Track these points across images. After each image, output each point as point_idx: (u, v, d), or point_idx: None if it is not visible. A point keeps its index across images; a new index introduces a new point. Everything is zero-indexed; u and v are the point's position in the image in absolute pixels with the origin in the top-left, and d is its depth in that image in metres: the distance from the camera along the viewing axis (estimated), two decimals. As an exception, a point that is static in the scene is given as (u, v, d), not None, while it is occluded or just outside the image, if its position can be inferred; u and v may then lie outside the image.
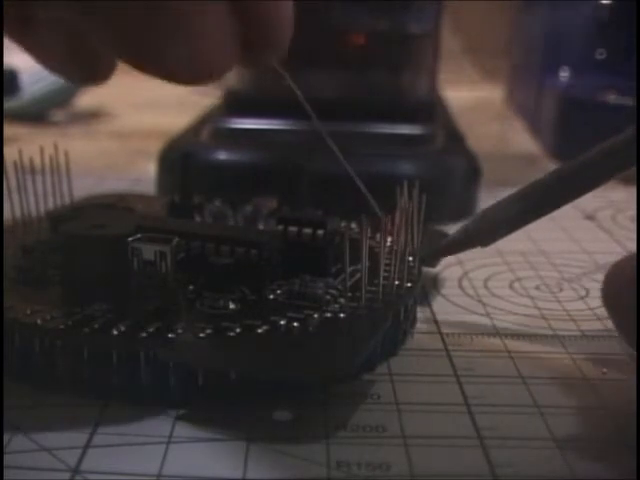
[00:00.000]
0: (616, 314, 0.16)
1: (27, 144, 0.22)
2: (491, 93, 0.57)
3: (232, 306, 0.17)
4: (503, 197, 0.19)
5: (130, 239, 0.17)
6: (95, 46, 0.17)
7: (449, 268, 0.24)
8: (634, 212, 0.30)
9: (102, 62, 0.19)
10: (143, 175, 0.33)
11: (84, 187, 0.25)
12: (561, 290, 0.23)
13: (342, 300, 0.18)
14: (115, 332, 0.16)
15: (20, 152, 0.21)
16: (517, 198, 0.19)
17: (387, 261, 0.18)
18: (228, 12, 0.15)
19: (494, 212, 0.20)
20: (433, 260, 0.21)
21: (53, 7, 0.16)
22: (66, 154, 0.23)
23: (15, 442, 0.15)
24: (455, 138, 0.33)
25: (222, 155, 0.29)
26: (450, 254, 0.21)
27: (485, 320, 0.21)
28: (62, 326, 0.16)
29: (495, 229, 0.20)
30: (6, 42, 0.18)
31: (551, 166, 0.38)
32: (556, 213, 0.19)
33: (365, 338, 0.16)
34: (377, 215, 0.18)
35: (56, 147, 0.22)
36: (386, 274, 0.18)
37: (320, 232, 0.19)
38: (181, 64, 0.15)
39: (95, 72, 0.19)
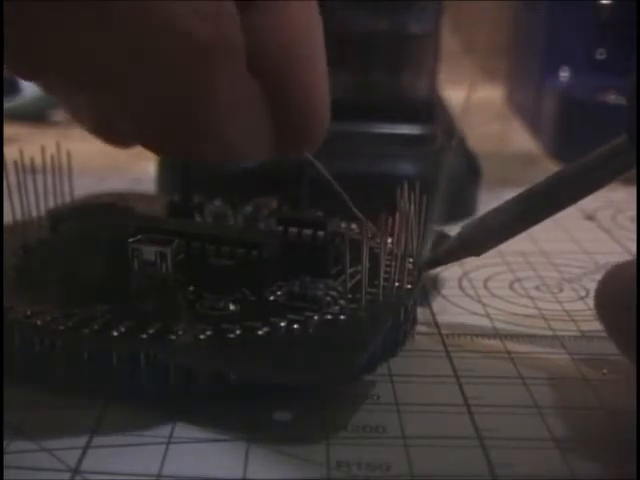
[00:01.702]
0: (612, 317, 0.16)
1: (27, 144, 0.22)
2: (491, 93, 0.57)
3: (232, 307, 0.17)
4: (499, 204, 0.19)
5: (130, 240, 0.17)
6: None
7: (449, 268, 0.24)
8: (634, 212, 0.30)
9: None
10: (143, 175, 0.33)
11: (84, 187, 0.25)
12: (561, 290, 0.23)
13: (342, 302, 0.18)
14: (115, 333, 0.16)
15: (21, 152, 0.21)
16: (514, 204, 0.19)
17: (387, 262, 0.18)
18: (263, 113, 0.16)
19: (489, 220, 0.19)
20: (428, 269, 0.20)
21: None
22: (67, 153, 0.23)
23: (15, 442, 0.15)
24: (455, 138, 0.33)
25: (222, 155, 0.29)
26: (444, 264, 0.21)
27: (485, 321, 0.21)
28: (62, 327, 0.16)
29: (490, 237, 0.19)
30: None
31: (551, 166, 0.38)
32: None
33: (365, 340, 0.16)
34: (362, 219, 0.18)
35: (58, 146, 0.22)
36: (386, 275, 0.18)
37: (320, 233, 0.19)
38: (214, 158, 0.15)
39: (126, 142, 0.19)
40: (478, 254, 0.20)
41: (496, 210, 0.19)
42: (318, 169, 0.18)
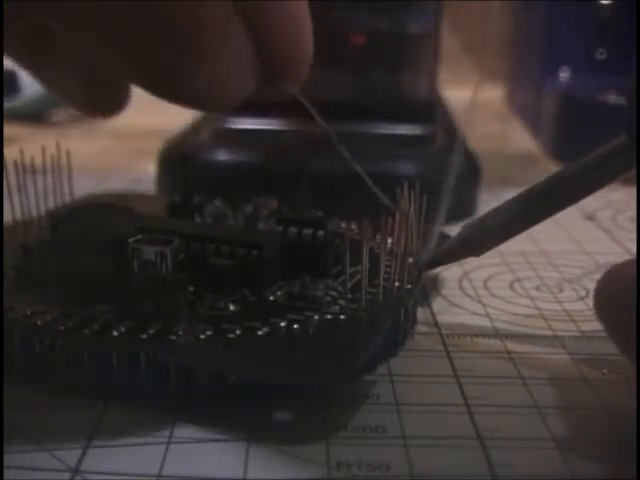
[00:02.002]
0: (611, 317, 0.16)
1: (27, 144, 0.22)
2: (491, 93, 0.57)
3: (232, 307, 0.17)
4: (499, 204, 0.19)
5: (130, 240, 0.17)
6: (111, 77, 0.17)
7: (449, 268, 0.24)
8: (634, 212, 0.30)
9: (117, 94, 0.19)
10: (143, 175, 0.33)
11: (84, 187, 0.25)
12: (561, 290, 0.23)
13: (342, 301, 0.18)
14: (115, 333, 0.16)
15: (21, 152, 0.21)
16: (514, 204, 0.19)
17: (387, 262, 0.18)
18: (247, 44, 0.16)
19: (489, 220, 0.19)
20: (428, 269, 0.20)
21: (74, 37, 0.17)
22: (67, 154, 0.23)
23: (15, 442, 0.15)
24: (455, 138, 0.33)
25: (222, 155, 0.29)
26: (444, 264, 0.21)
27: (485, 321, 0.21)
28: (62, 327, 0.16)
29: (490, 237, 0.19)
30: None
31: (551, 166, 0.38)
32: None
33: (365, 340, 0.16)
34: (385, 212, 0.18)
35: (58, 146, 0.22)
36: (386, 275, 0.18)
37: (320, 233, 0.19)
38: (200, 94, 0.15)
39: (110, 104, 0.19)
40: (478, 254, 0.20)
41: (496, 210, 0.19)
42: (340, 150, 0.18)
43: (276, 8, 0.16)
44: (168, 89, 0.16)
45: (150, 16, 0.14)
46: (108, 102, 0.19)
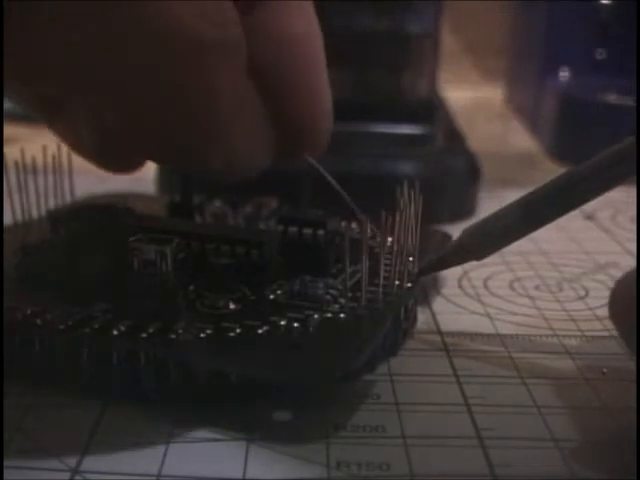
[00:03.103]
0: (627, 324, 0.16)
1: (27, 144, 0.22)
2: (491, 93, 0.57)
3: (232, 306, 0.17)
4: (500, 208, 0.19)
5: (130, 239, 0.17)
6: (125, 141, 0.17)
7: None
8: (634, 212, 0.30)
9: (131, 155, 0.19)
10: (143, 175, 0.33)
11: (84, 187, 0.24)
12: (561, 290, 0.23)
13: (342, 300, 0.18)
14: (115, 332, 0.16)
15: (22, 152, 0.21)
16: (517, 207, 0.18)
17: (387, 261, 0.18)
18: (263, 116, 0.16)
19: (491, 224, 0.19)
20: (427, 273, 0.20)
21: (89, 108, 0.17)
22: (68, 154, 0.23)
23: (15, 442, 0.15)
24: (455, 138, 0.33)
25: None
26: (444, 268, 0.20)
27: (485, 320, 0.21)
28: (62, 326, 0.16)
29: (493, 241, 0.19)
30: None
31: (551, 166, 0.38)
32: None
33: (365, 338, 0.16)
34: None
35: (59, 146, 0.22)
36: (386, 274, 0.18)
37: (320, 232, 0.19)
38: (217, 168, 0.15)
39: (126, 165, 0.20)
40: (479, 259, 0.19)
41: (498, 214, 0.19)
42: (318, 169, 0.18)
43: (294, 79, 0.16)
44: (182, 161, 0.16)
45: (161, 86, 0.14)
46: (121, 163, 0.20)
